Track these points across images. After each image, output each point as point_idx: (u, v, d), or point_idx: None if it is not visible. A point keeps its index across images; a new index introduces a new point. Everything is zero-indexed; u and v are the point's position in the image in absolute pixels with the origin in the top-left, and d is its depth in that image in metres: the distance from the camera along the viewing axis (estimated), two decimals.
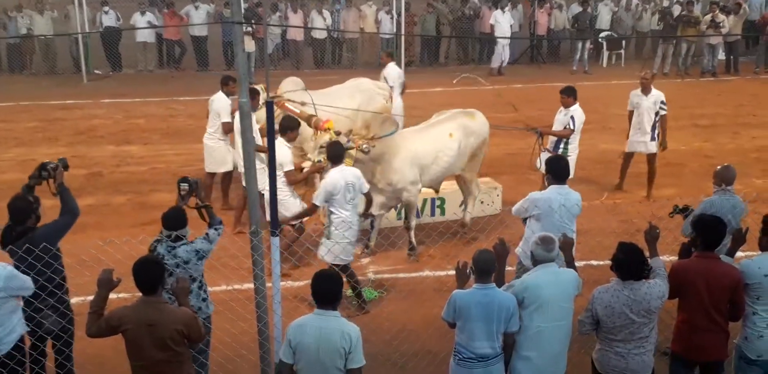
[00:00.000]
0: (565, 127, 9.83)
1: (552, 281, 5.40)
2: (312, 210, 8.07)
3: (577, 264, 5.96)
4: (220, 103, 10.08)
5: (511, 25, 20.81)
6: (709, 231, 5.55)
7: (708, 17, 19.54)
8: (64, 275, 5.97)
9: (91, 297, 5.16)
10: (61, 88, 18.67)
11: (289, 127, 8.59)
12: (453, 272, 5.67)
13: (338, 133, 8.61)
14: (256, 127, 8.85)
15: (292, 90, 10.45)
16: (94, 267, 5.95)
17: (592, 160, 12.36)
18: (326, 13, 21.04)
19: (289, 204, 8.55)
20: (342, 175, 7.70)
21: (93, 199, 10.99)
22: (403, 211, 9.87)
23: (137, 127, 15.18)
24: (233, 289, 7.85)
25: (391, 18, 20.99)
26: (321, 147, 8.45)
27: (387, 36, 20.99)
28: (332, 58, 21.83)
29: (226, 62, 20.53)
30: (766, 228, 5.65)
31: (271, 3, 21.38)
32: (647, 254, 5.56)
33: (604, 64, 21.82)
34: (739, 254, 6.07)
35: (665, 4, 22.55)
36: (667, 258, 8.02)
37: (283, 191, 8.48)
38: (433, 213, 10.15)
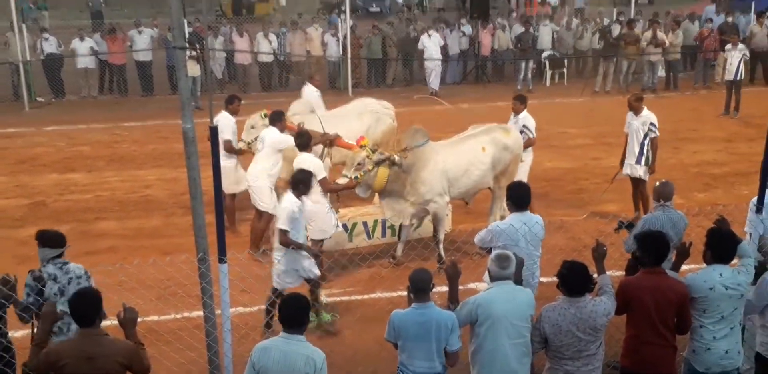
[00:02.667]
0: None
1: (505, 298, 5.42)
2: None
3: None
4: (224, 121, 10.06)
5: (443, 46, 21.04)
6: (653, 247, 5.62)
7: (648, 34, 20.02)
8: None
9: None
10: (2, 117, 18.30)
11: (308, 141, 8.80)
12: (405, 293, 5.66)
13: (374, 150, 8.83)
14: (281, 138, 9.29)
15: (300, 112, 10.58)
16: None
17: (537, 178, 12.46)
18: (272, 36, 21.03)
19: (326, 218, 8.69)
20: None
21: (35, 229, 10.59)
22: (353, 234, 9.91)
23: (81, 155, 14.94)
24: (182, 317, 7.72)
25: (337, 40, 21.10)
26: (358, 164, 8.69)
27: (333, 59, 21.07)
28: (279, 81, 21.81)
29: (171, 87, 20.37)
30: (710, 242, 5.73)
31: (214, 27, 21.35)
32: (594, 270, 5.63)
33: (547, 83, 22.19)
34: (684, 268, 6.17)
35: (605, 23, 23.03)
36: (613, 273, 8.13)
37: (321, 203, 8.66)
38: (384, 235, 10.15)
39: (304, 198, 7.71)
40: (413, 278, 5.35)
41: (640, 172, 10.42)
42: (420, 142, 9.06)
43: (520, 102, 10.59)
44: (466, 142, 9.50)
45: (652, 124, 10.29)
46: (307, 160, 8.67)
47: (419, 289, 5.34)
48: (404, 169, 8.91)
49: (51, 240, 5.93)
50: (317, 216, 8.68)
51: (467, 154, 9.33)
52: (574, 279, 5.33)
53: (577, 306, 5.32)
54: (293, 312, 4.91)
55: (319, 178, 8.51)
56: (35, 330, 5.42)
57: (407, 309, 5.40)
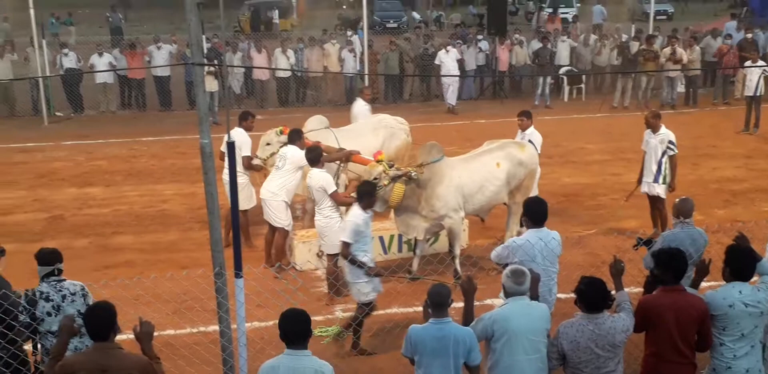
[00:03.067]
0: None
1: (521, 313, 5.39)
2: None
3: None
4: (240, 137, 10.05)
5: (459, 61, 21.08)
6: (670, 264, 5.55)
7: (668, 50, 19.96)
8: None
9: None
10: (22, 131, 18.50)
11: (318, 156, 8.80)
12: (421, 309, 5.64)
13: (391, 165, 8.85)
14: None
15: (316, 128, 10.63)
16: None
17: (555, 194, 12.46)
18: (290, 53, 21.16)
19: (338, 233, 8.54)
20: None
21: (54, 243, 10.75)
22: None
23: (99, 169, 15.04)
24: (198, 332, 7.72)
25: (354, 56, 21.19)
26: (374, 178, 8.66)
27: (350, 74, 21.16)
28: (296, 96, 21.90)
29: (189, 102, 20.49)
30: (729, 259, 5.68)
31: (233, 43, 21.49)
32: (612, 287, 5.58)
33: (566, 99, 22.14)
34: (703, 285, 6.11)
35: (623, 39, 22.98)
36: (632, 290, 8.06)
37: (333, 218, 8.70)
38: (400, 249, 10.13)
39: (362, 211, 7.63)
40: (432, 293, 5.32)
41: (658, 190, 10.30)
42: (436, 157, 9.07)
43: (527, 117, 10.58)
44: (480, 158, 9.49)
45: (670, 141, 10.15)
46: (316, 175, 8.70)
47: (437, 304, 5.30)
48: (419, 184, 8.92)
49: (43, 258, 6.01)
50: (330, 231, 8.69)
51: (482, 170, 9.32)
52: (593, 296, 5.29)
53: (595, 322, 5.28)
54: (295, 328, 4.88)
55: (329, 191, 8.61)
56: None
57: (425, 324, 5.37)
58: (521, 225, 7.71)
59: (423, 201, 8.99)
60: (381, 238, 10.02)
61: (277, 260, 9.62)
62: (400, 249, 10.11)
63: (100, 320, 4.87)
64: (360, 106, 12.82)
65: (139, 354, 5.00)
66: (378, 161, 8.97)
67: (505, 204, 9.72)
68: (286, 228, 9.67)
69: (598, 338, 5.25)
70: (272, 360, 4.92)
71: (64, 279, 5.96)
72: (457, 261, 9.31)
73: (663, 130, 10.23)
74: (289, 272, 9.52)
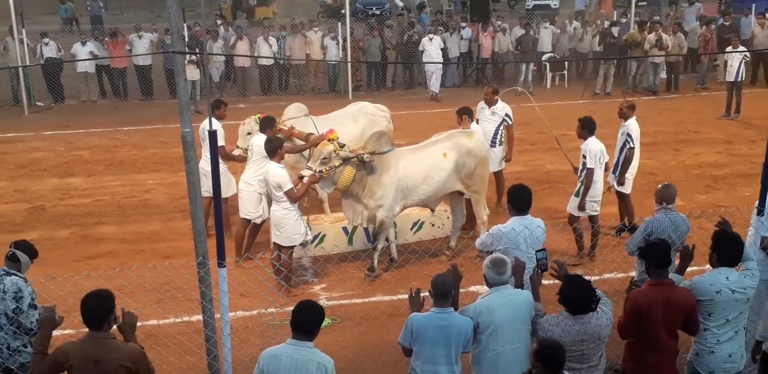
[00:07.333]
0: None
1: (505, 304, 5.38)
2: None
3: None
4: (215, 127, 9.84)
5: (443, 49, 21.02)
6: (656, 254, 5.54)
7: (653, 37, 19.99)
8: None
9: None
10: (2, 121, 18.30)
11: (276, 147, 8.58)
12: (406, 296, 5.64)
13: (342, 145, 8.67)
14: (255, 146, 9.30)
15: (295, 116, 10.50)
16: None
17: (538, 180, 12.50)
18: (272, 40, 21.03)
19: (296, 225, 8.58)
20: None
21: (36, 234, 10.73)
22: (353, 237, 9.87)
23: (81, 159, 14.92)
24: (182, 322, 7.69)
25: (337, 44, 21.10)
26: (324, 158, 8.50)
27: (333, 62, 21.08)
28: (279, 84, 21.80)
29: (170, 91, 20.32)
30: (716, 244, 5.69)
31: (214, 31, 21.33)
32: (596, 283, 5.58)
33: (548, 85, 22.17)
34: (688, 270, 6.13)
35: (605, 25, 23.00)
36: (615, 275, 8.11)
37: (291, 211, 8.53)
38: (370, 240, 10.05)
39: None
40: (436, 283, 5.30)
41: (613, 182, 10.18)
42: (386, 148, 8.95)
43: (469, 116, 10.32)
44: (427, 149, 9.34)
45: (628, 134, 9.99)
46: (273, 170, 8.49)
47: (440, 294, 5.29)
48: (367, 171, 8.82)
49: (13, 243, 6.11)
50: (287, 223, 8.56)
51: (427, 161, 9.17)
52: (578, 298, 5.21)
53: (581, 321, 5.23)
54: (307, 320, 4.87)
55: (285, 189, 8.40)
56: None
57: (427, 313, 5.35)
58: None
59: (366, 189, 8.89)
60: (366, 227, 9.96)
61: (246, 250, 9.53)
62: (370, 240, 9.82)
63: (94, 309, 4.83)
64: (479, 109, 11.42)
65: (132, 344, 4.97)
66: (329, 140, 8.74)
67: (462, 194, 9.64)
68: (255, 222, 9.57)
69: (584, 336, 5.23)
70: (274, 349, 4.90)
71: (14, 274, 5.90)
72: (376, 255, 9.18)
73: (627, 122, 10.08)
74: (273, 262, 9.49)
